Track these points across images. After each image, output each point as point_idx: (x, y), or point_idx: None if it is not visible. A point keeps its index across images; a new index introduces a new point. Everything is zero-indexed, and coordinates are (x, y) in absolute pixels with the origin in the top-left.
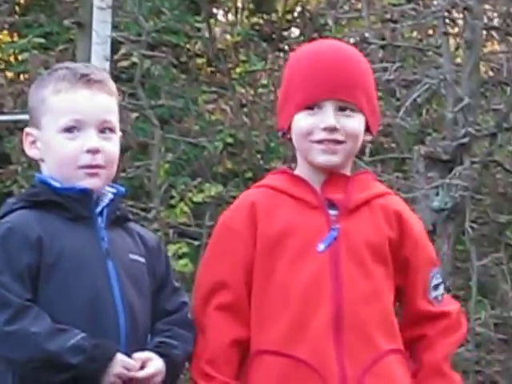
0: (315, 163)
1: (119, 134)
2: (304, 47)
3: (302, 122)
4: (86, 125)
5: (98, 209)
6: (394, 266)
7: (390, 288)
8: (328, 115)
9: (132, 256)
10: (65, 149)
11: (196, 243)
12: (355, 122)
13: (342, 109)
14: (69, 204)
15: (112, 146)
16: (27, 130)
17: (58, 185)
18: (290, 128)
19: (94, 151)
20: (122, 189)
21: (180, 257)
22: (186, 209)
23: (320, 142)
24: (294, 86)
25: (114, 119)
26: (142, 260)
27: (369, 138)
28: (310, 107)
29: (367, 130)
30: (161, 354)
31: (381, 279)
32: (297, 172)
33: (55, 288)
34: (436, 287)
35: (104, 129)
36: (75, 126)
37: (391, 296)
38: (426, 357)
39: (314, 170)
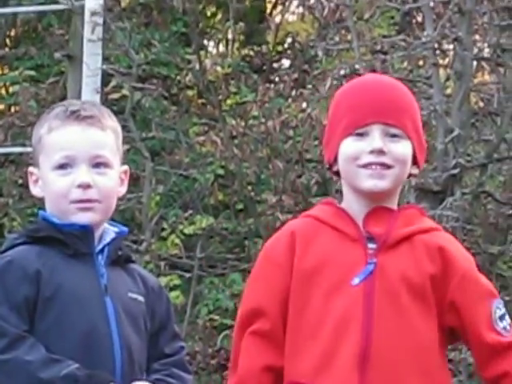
0: (362, 188)
1: (120, 168)
2: (351, 81)
3: (348, 147)
4: (78, 160)
5: (100, 246)
6: (439, 304)
7: (431, 327)
8: (375, 138)
9: (131, 295)
10: (57, 185)
11: (187, 275)
12: (403, 147)
13: (389, 134)
14: (69, 240)
15: (106, 180)
16: (30, 169)
17: (58, 221)
18: (336, 158)
19: (84, 186)
20: (125, 229)
21: (171, 289)
22: (177, 241)
23: (367, 166)
24: (340, 114)
25: (108, 154)
26: (142, 299)
27: (416, 171)
28: (356, 134)
29: (414, 161)
30: None
31: (418, 317)
32: (343, 204)
33: (51, 321)
34: (501, 318)
35: (97, 164)
36: (67, 162)
37: (432, 335)
38: None
39: (359, 201)
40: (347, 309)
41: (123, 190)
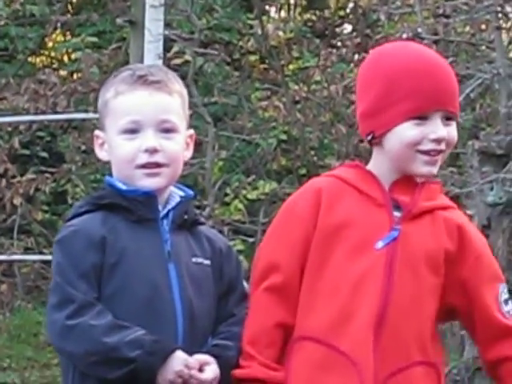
0: (417, 174)
1: (186, 133)
2: (396, 49)
3: (409, 131)
4: (144, 125)
5: (164, 211)
6: (446, 281)
7: (436, 300)
8: (439, 126)
9: (196, 259)
10: (124, 149)
11: (251, 240)
12: (455, 131)
13: (446, 118)
14: (133, 206)
15: (173, 144)
16: (96, 132)
17: (123, 187)
18: (382, 134)
19: (151, 151)
20: (191, 192)
21: None
22: (240, 206)
23: (427, 152)
24: (399, 91)
25: (175, 119)
26: (207, 262)
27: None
28: (418, 117)
29: None
30: (214, 356)
31: (429, 288)
32: (370, 166)
33: (116, 287)
34: (506, 302)
35: (164, 128)
36: (134, 126)
37: (434, 308)
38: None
39: (391, 168)
40: (368, 271)
41: (189, 154)
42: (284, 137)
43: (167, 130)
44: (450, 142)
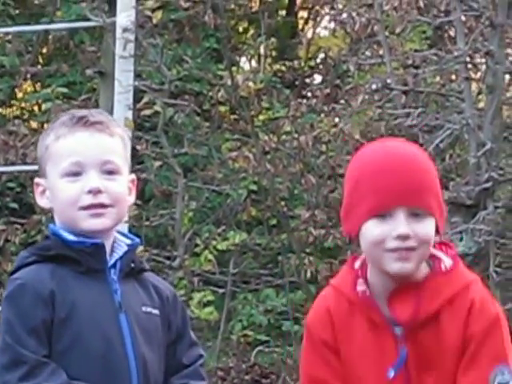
0: (389, 272)
1: (128, 176)
2: (367, 149)
3: (372, 230)
4: (87, 166)
5: (112, 261)
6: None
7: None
8: (400, 223)
9: (145, 309)
10: (67, 192)
11: (221, 291)
12: (428, 228)
13: (413, 214)
14: (81, 257)
15: (117, 185)
16: (36, 180)
17: (70, 237)
18: (357, 235)
19: (95, 191)
20: (138, 240)
21: (205, 305)
22: (210, 257)
23: (393, 250)
24: (362, 191)
25: (117, 160)
26: (156, 312)
27: (437, 238)
28: (379, 215)
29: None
30: None
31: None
32: (369, 276)
33: (68, 342)
34: None
35: (106, 170)
36: (76, 168)
37: None
38: None
39: (383, 277)
40: None
41: (131, 199)
42: (254, 187)
43: (110, 171)
44: (421, 238)
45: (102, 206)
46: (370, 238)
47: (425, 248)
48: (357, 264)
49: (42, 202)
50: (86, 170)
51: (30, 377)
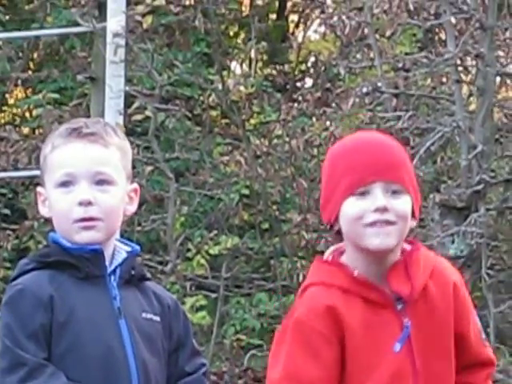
0: (370, 248)
1: (130, 187)
2: (338, 143)
3: (352, 207)
4: (79, 177)
5: (111, 268)
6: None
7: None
8: (378, 197)
9: (145, 315)
10: (60, 203)
11: (213, 295)
12: (404, 204)
13: (390, 191)
14: (80, 264)
15: (109, 197)
16: (38, 189)
17: (68, 244)
18: (337, 218)
19: (85, 203)
20: (137, 247)
21: (198, 309)
22: (202, 261)
23: (372, 224)
24: (337, 175)
25: (111, 171)
26: (157, 319)
27: (414, 223)
28: (358, 193)
29: (412, 215)
30: None
31: (452, 357)
32: (346, 261)
33: (66, 346)
34: (480, 329)
35: (99, 181)
36: (68, 179)
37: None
38: None
39: (366, 259)
40: (395, 376)
41: (132, 208)
42: (246, 191)
43: (102, 181)
44: (399, 213)
45: (92, 219)
46: (350, 214)
47: (403, 224)
48: (329, 257)
49: (43, 211)
50: (77, 181)
51: (30, 378)
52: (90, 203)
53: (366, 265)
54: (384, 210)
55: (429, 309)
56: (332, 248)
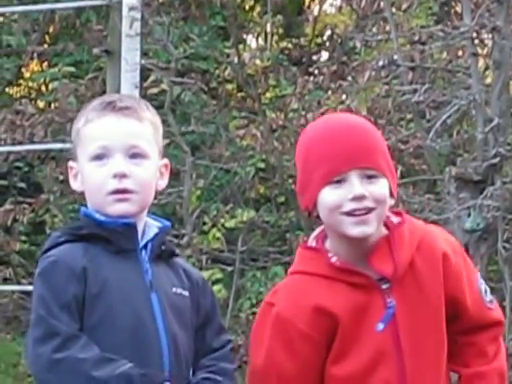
0: (349, 236)
1: (160, 162)
2: (312, 125)
3: (329, 196)
4: (113, 150)
5: (143, 242)
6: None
7: (444, 330)
8: (354, 185)
9: (175, 290)
10: (94, 176)
11: (229, 269)
12: (382, 188)
13: (366, 176)
14: (112, 237)
15: (143, 171)
16: (69, 163)
17: (102, 218)
18: (315, 205)
19: (120, 175)
20: (168, 223)
21: (213, 283)
22: (218, 234)
23: (350, 213)
24: (313, 163)
25: (144, 145)
26: (186, 294)
27: (392, 202)
28: (335, 181)
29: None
30: None
31: (440, 332)
32: (329, 245)
33: (99, 318)
34: (486, 292)
35: (133, 154)
36: (103, 152)
37: (445, 342)
38: (477, 363)
39: (348, 243)
40: (377, 356)
41: (163, 183)
42: (262, 165)
43: (136, 155)
44: (377, 198)
45: (127, 191)
46: (327, 204)
47: (382, 208)
48: (313, 244)
49: (75, 185)
50: (112, 155)
51: (64, 348)
52: (124, 176)
53: (348, 249)
54: (362, 197)
55: (417, 284)
56: (317, 231)
